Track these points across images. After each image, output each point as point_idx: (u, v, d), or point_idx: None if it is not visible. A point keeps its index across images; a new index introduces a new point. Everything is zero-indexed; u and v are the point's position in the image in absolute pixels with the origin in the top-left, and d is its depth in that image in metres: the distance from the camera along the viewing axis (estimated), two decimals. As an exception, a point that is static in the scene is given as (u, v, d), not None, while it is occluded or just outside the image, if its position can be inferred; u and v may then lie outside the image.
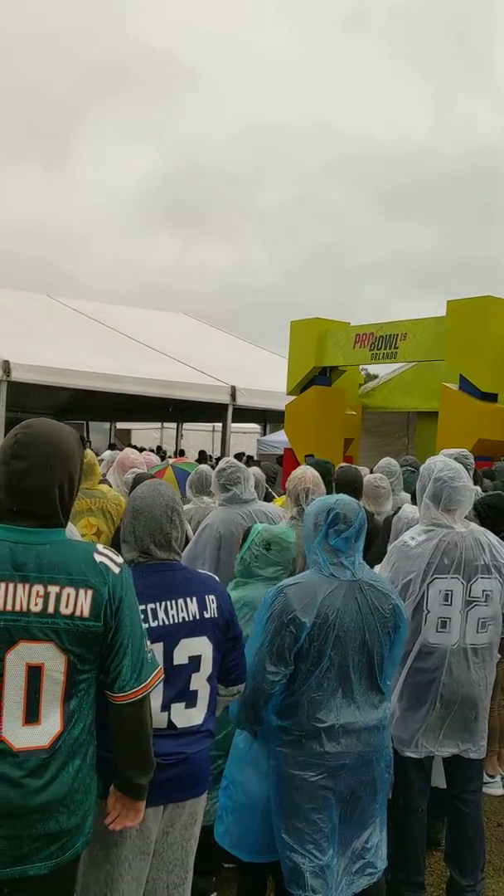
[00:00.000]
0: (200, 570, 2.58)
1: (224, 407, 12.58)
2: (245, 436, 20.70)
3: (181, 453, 17.85)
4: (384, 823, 2.73)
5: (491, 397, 8.61)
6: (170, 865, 2.32)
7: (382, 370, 13.14)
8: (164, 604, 2.27)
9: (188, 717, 2.29)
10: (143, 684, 1.96)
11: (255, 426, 20.26)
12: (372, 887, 2.63)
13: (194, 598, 2.33)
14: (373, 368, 16.11)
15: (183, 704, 2.27)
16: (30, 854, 1.83)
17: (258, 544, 3.09)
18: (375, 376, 14.14)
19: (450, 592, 3.07)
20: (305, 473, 3.98)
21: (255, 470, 5.27)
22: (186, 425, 21.26)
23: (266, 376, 13.29)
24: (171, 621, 2.27)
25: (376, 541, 4.41)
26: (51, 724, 1.85)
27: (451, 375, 9.10)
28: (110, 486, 5.15)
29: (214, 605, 2.36)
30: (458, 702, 3.09)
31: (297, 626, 2.45)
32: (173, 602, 2.29)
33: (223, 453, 13.20)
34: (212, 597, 2.37)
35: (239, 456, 14.92)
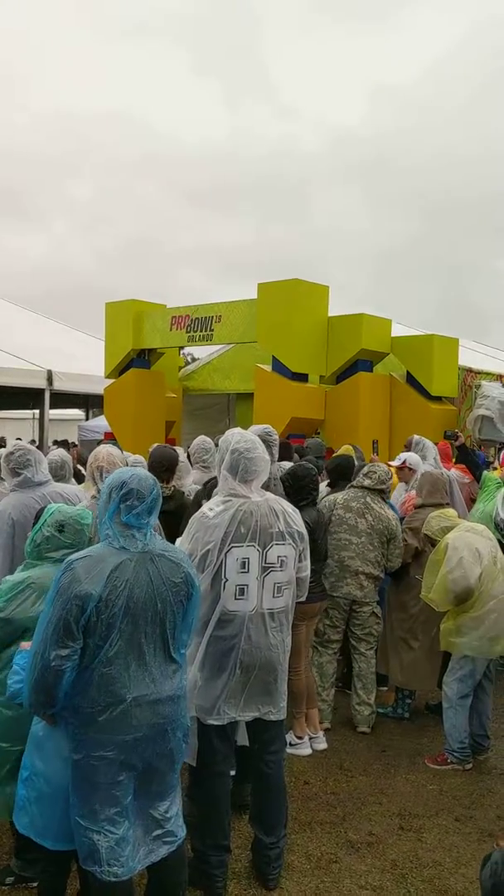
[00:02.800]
0: None
1: (41, 392, 12.10)
2: (68, 423, 20.05)
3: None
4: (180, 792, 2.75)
5: (301, 377, 8.93)
6: None
7: (203, 352, 13.24)
8: None
9: None
10: None
11: (78, 412, 19.69)
12: (172, 854, 2.64)
13: None
14: (195, 351, 16.22)
15: None
16: None
17: (50, 525, 3.00)
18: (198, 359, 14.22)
19: (246, 560, 3.14)
20: (99, 452, 3.95)
21: (60, 452, 5.11)
22: (2, 413, 20.26)
23: (85, 360, 12.95)
24: None
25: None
26: None
27: (266, 357, 9.34)
28: None
29: None
30: (257, 666, 3.17)
31: (83, 598, 2.40)
32: None
33: (41, 441, 12.74)
34: None
35: (62, 443, 14.46)
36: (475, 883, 3.33)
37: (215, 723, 3.17)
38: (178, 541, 3.35)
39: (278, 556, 3.23)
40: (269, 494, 3.34)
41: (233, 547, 3.12)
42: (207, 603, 3.10)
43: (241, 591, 3.14)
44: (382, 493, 5.09)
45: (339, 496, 5.10)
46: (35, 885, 3.05)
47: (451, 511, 4.96)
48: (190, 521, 3.31)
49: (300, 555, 3.35)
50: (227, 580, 3.12)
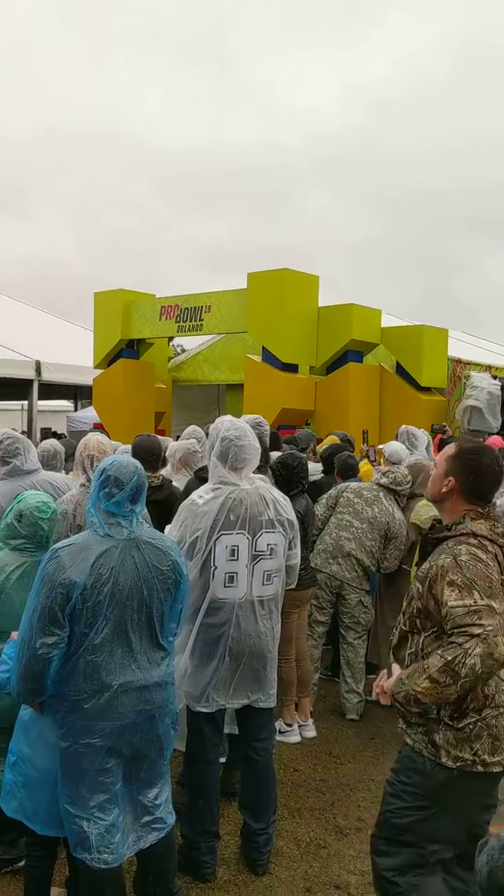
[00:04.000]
0: None
1: (29, 383, 12.02)
2: (57, 414, 19.98)
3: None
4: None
5: (291, 368, 8.93)
6: None
7: (192, 343, 13.21)
8: None
9: None
10: None
11: (66, 403, 19.61)
12: (162, 841, 2.65)
13: None
14: (185, 343, 16.17)
15: None
16: None
17: (13, 513, 3.00)
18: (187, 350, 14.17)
19: (236, 548, 3.13)
20: (89, 441, 3.92)
21: (52, 441, 5.09)
22: (-9, 404, 20.14)
23: (74, 350, 12.87)
24: None
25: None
26: None
27: (256, 347, 9.33)
28: None
29: None
30: (246, 654, 3.17)
31: (68, 585, 2.39)
32: None
33: (30, 432, 12.67)
34: None
35: (46, 431, 14.39)
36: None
37: (204, 710, 3.18)
38: (168, 528, 3.35)
39: (268, 544, 3.22)
40: (259, 482, 3.34)
41: (222, 534, 3.12)
42: (197, 590, 3.09)
43: (231, 578, 3.14)
44: (397, 495, 5.11)
45: (353, 483, 5.17)
46: (21, 864, 3.06)
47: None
48: (179, 508, 3.31)
49: (290, 543, 3.35)
50: (216, 568, 3.12)
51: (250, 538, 3.17)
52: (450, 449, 2.50)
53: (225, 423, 3.28)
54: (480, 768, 2.31)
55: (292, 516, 3.36)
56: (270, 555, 3.23)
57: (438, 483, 2.46)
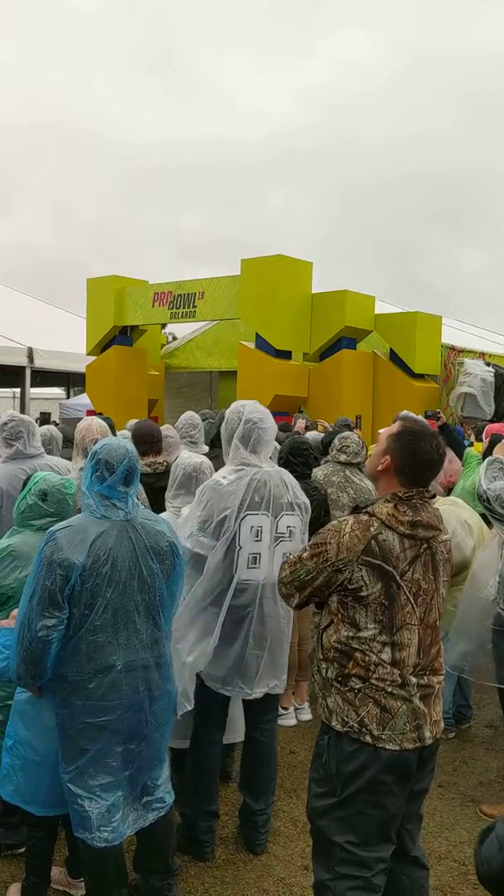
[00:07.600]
0: None
1: (21, 370, 11.96)
2: (50, 402, 19.89)
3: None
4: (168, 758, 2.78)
5: (285, 354, 8.92)
6: None
7: (184, 331, 13.17)
8: None
9: None
10: None
11: (58, 391, 19.53)
12: (161, 820, 2.67)
13: None
14: (176, 330, 16.13)
15: None
16: None
17: (34, 493, 3.00)
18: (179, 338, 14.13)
19: (260, 528, 3.13)
20: (91, 425, 3.90)
21: (50, 427, 5.09)
22: (-17, 391, 20.02)
23: (67, 337, 12.81)
24: None
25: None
26: None
27: (249, 334, 9.31)
28: None
29: None
30: (269, 637, 3.17)
31: (67, 567, 2.39)
32: None
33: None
34: None
35: (46, 416, 14.35)
36: (458, 846, 3.41)
37: (227, 693, 3.18)
38: (185, 509, 3.32)
39: (287, 526, 3.21)
40: (277, 465, 3.34)
41: (248, 514, 3.10)
42: (221, 571, 3.09)
43: (255, 559, 3.12)
44: (358, 466, 5.10)
45: (319, 471, 5.11)
46: (21, 850, 3.08)
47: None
48: (200, 489, 3.26)
49: (305, 527, 3.35)
50: (241, 548, 3.10)
51: (272, 519, 3.15)
52: (393, 427, 2.47)
53: (248, 406, 3.26)
54: (369, 739, 2.25)
55: (306, 501, 3.36)
56: (290, 537, 3.21)
57: (375, 460, 2.45)
